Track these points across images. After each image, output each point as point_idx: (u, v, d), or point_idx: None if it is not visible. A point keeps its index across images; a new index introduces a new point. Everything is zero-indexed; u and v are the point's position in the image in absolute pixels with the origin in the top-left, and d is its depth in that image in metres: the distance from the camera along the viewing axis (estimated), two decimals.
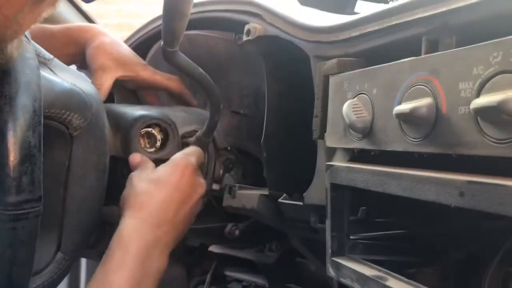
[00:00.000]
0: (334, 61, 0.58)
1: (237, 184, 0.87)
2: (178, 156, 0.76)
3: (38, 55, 0.65)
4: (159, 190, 0.70)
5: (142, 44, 1.07)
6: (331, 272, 0.56)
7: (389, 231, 0.62)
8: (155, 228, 0.68)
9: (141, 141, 0.83)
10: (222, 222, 1.02)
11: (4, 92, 0.54)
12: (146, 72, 0.93)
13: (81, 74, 0.81)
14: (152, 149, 0.83)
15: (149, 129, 0.82)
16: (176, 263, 1.53)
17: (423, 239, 0.62)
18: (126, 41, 1.08)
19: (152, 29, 1.03)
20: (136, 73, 0.92)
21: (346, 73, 0.55)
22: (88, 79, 0.86)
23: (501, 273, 0.65)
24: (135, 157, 0.77)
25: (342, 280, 0.54)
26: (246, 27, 0.75)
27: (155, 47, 1.06)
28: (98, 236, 1.22)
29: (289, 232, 0.83)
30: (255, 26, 0.73)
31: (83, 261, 1.44)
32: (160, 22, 0.80)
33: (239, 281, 1.39)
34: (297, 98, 0.74)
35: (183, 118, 0.89)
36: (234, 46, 0.89)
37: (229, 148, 1.00)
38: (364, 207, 0.61)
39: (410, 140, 0.43)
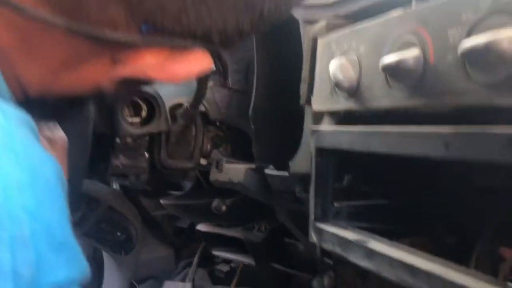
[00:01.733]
0: (323, 23, 0.56)
1: (224, 158, 0.86)
2: None
3: None
4: None
5: None
6: (313, 238, 0.54)
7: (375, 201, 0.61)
8: None
9: (126, 112, 0.81)
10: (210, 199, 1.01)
11: None
12: None
13: None
14: (137, 119, 0.82)
15: (135, 100, 0.81)
16: (164, 244, 1.52)
17: (410, 209, 0.61)
18: None
19: None
20: None
21: (334, 33, 0.53)
22: None
23: (490, 252, 0.65)
24: None
25: (323, 245, 0.52)
26: None
27: None
28: (83, 213, 1.21)
29: (276, 206, 0.81)
30: None
31: None
32: None
33: (227, 262, 1.38)
34: (286, 68, 0.72)
35: (171, 91, 0.87)
36: None
37: (218, 124, 0.98)
38: (350, 175, 0.60)
39: (396, 94, 0.41)
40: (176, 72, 0.40)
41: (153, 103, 0.82)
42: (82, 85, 0.42)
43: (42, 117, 0.51)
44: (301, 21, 0.63)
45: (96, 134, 0.76)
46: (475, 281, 0.34)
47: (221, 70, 0.47)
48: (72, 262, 0.31)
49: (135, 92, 0.79)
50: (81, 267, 0.32)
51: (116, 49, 0.39)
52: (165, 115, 0.84)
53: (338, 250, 0.50)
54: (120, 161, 0.81)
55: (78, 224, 1.21)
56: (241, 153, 1.01)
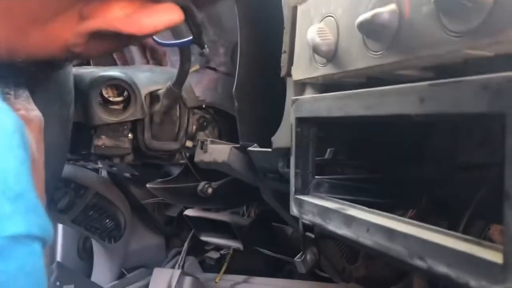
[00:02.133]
0: None
1: (209, 139, 0.84)
2: None
3: None
4: None
5: None
6: (294, 210, 0.53)
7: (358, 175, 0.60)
8: None
9: (107, 91, 0.80)
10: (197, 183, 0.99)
11: None
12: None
13: None
14: (120, 98, 0.80)
15: (111, 89, 0.79)
16: (155, 233, 1.51)
17: (393, 183, 0.60)
18: None
19: None
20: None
21: None
22: None
23: (473, 226, 0.64)
24: None
25: (304, 217, 0.51)
26: None
27: None
28: (70, 199, 1.19)
29: (261, 186, 0.80)
30: None
31: (60, 228, 1.41)
32: None
33: (217, 250, 1.38)
34: (269, 44, 0.71)
35: (148, 79, 0.86)
36: None
37: (204, 106, 0.97)
38: (332, 149, 0.59)
39: (372, 54, 0.40)
40: (144, 23, 0.38)
41: (128, 91, 0.80)
42: (51, 44, 0.41)
43: (16, 84, 0.49)
44: None
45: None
46: (452, 240, 0.33)
47: (194, 31, 0.46)
48: (31, 215, 0.29)
49: (109, 79, 0.78)
50: (42, 224, 0.30)
51: (84, 2, 0.38)
52: (141, 102, 0.82)
53: (318, 220, 0.48)
54: (102, 141, 0.80)
55: (66, 212, 1.20)
56: (228, 137, 1.00)
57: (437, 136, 0.66)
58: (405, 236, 0.36)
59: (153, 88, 0.85)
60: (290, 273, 1.28)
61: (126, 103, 0.81)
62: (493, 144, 0.60)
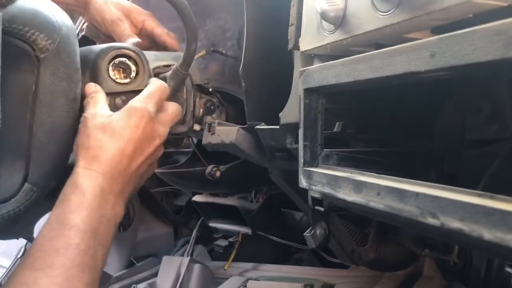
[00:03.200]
0: None
1: (216, 121, 0.84)
2: (135, 103, 0.71)
3: None
4: (112, 142, 0.66)
5: None
6: (303, 182, 0.53)
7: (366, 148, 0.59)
8: (109, 178, 0.66)
9: (114, 73, 0.79)
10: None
11: None
12: (151, 23, 0.91)
13: (54, 4, 0.77)
14: (127, 80, 0.80)
15: (122, 59, 0.78)
16: (164, 222, 1.51)
17: (402, 157, 0.59)
18: None
19: None
20: (142, 23, 0.91)
21: None
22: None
23: None
24: (88, 87, 0.73)
25: (313, 187, 0.51)
26: None
27: None
28: None
29: (269, 167, 0.80)
30: None
31: None
32: None
33: (225, 237, 1.37)
34: (275, 23, 0.70)
35: (155, 56, 0.85)
36: None
37: (211, 90, 0.97)
38: (341, 122, 0.58)
39: (382, 15, 0.40)
40: None
41: (136, 61, 0.79)
42: None
43: None
44: None
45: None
46: (464, 195, 0.33)
47: None
48: None
49: (119, 48, 0.77)
50: None
51: None
52: (149, 73, 0.81)
53: (327, 189, 0.48)
54: None
55: None
56: (236, 121, 0.99)
57: (446, 112, 0.65)
58: (417, 195, 0.36)
59: (159, 63, 0.84)
60: (299, 261, 1.28)
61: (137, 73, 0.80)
62: (502, 120, 0.59)
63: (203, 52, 1.04)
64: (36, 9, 0.66)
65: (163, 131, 0.71)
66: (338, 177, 0.46)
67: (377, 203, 0.40)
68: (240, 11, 0.84)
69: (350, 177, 0.44)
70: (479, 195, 0.32)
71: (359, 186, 0.43)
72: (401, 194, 0.38)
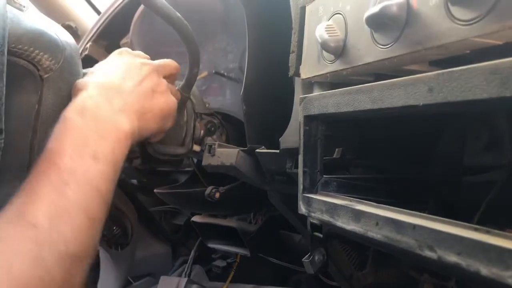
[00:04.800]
0: None
1: (217, 143, 0.84)
2: None
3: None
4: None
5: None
6: (302, 209, 0.53)
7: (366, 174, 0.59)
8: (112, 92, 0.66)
9: None
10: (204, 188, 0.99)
11: None
12: None
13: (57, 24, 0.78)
14: None
15: None
16: (162, 241, 1.51)
17: (401, 184, 0.60)
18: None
19: None
20: None
21: None
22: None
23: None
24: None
25: (312, 215, 0.51)
26: None
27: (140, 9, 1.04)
28: None
29: (268, 190, 0.80)
30: None
31: None
32: None
33: (223, 258, 1.37)
34: (276, 47, 0.71)
35: None
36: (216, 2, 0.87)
37: (212, 112, 0.97)
38: (341, 148, 0.58)
39: (381, 48, 0.40)
40: None
41: None
42: None
43: None
44: None
45: None
46: (462, 230, 0.33)
47: None
48: None
49: None
50: None
51: None
52: None
53: (326, 217, 0.48)
54: None
55: None
56: (236, 143, 1.00)
57: (445, 139, 0.65)
58: (414, 227, 0.36)
59: None
60: (297, 283, 1.27)
61: None
62: (500, 148, 0.60)
63: (205, 74, 1.05)
64: (42, 30, 0.67)
65: (148, 62, 0.71)
66: (337, 205, 0.46)
67: (376, 233, 0.40)
68: (242, 33, 0.85)
69: (349, 206, 0.44)
70: (476, 229, 0.32)
71: (357, 215, 0.43)
72: (399, 225, 0.38)
